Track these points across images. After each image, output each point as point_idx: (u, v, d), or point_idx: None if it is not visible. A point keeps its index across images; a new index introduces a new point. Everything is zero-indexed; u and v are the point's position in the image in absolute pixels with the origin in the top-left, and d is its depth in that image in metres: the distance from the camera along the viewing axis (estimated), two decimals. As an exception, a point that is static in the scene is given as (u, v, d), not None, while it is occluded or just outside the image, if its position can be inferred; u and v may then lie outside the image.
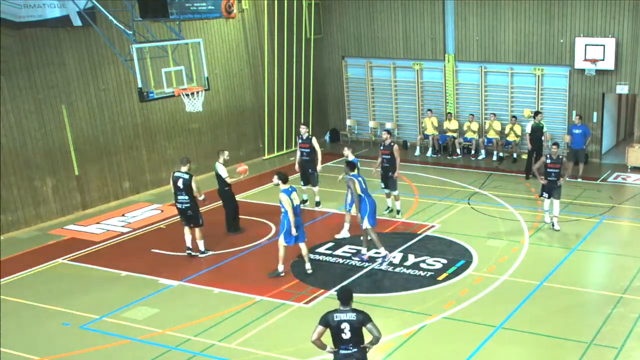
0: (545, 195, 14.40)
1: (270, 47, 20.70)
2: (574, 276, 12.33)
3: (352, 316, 7.26)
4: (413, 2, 21.01)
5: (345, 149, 14.49)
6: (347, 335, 7.28)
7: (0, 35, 14.00)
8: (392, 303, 11.35)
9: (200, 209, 13.23)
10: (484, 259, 12.99)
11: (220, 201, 14.73)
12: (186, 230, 13.25)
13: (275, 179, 11.92)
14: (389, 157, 14.84)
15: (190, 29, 17.86)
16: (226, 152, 14.24)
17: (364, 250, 13.05)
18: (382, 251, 12.77)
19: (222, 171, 13.95)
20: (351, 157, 14.10)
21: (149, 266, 12.82)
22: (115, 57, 15.88)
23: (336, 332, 7.32)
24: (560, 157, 14.28)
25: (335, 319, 7.27)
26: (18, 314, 11.15)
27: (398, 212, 15.34)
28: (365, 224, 12.58)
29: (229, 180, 13.98)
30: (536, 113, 18.17)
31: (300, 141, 15.68)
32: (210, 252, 13.44)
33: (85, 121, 16.02)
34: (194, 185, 12.77)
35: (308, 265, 12.41)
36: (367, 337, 7.45)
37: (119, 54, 15.30)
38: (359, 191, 12.57)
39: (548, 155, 14.22)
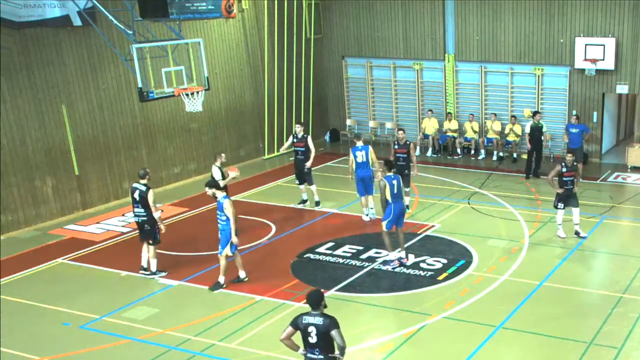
0: (561, 205, 13.72)
1: (270, 47, 20.70)
2: (573, 276, 12.33)
3: (319, 320, 7.24)
4: (413, 2, 21.00)
5: (355, 140, 14.80)
6: (313, 339, 7.27)
7: (0, 35, 14.00)
8: (392, 303, 11.35)
9: (159, 224, 12.20)
10: (484, 259, 12.98)
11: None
12: (144, 246, 12.40)
13: (209, 190, 11.72)
14: (405, 155, 14.88)
15: (190, 28, 17.86)
16: (223, 155, 13.90)
17: (400, 253, 12.92)
18: (391, 256, 12.73)
19: (216, 174, 13.66)
20: (360, 144, 14.69)
21: (149, 266, 12.79)
22: (116, 57, 15.88)
23: (304, 335, 7.33)
24: (575, 163, 13.80)
25: (303, 322, 7.29)
26: (18, 314, 11.14)
27: (407, 207, 15.41)
28: (383, 227, 12.48)
29: (221, 183, 13.38)
30: (535, 113, 18.18)
31: (295, 140, 15.72)
32: (164, 273, 12.44)
33: (85, 121, 16.02)
34: (150, 198, 11.90)
35: (243, 274, 12.10)
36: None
37: (119, 53, 15.30)
38: (387, 196, 12.29)
39: (563, 164, 13.62)
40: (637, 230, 14.72)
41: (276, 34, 20.77)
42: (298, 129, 15.64)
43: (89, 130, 16.13)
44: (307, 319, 7.28)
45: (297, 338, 7.40)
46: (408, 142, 15.04)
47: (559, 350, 9.79)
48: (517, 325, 10.46)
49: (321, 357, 7.34)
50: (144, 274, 12.46)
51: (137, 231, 12.56)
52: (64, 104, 15.54)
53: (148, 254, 12.41)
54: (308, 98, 22.22)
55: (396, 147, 15.05)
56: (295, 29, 21.30)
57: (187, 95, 14.58)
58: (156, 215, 12.06)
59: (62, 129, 15.56)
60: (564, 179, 13.65)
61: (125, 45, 15.76)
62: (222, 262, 11.79)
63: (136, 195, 12.02)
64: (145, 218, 12.06)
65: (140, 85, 13.89)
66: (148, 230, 12.15)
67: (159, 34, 16.40)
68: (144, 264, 12.50)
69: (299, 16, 21.45)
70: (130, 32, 14.11)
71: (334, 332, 7.20)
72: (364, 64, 22.46)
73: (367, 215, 15.11)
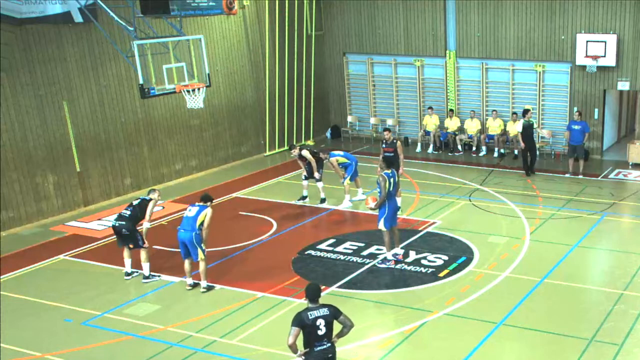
0: None
1: (271, 44, 20.68)
2: (574, 273, 12.34)
3: (324, 311, 7.39)
4: (414, -1, 21.02)
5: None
6: (322, 330, 7.38)
7: (1, 31, 13.99)
8: (393, 299, 11.37)
9: (138, 227, 12.05)
10: (485, 256, 13.00)
11: None
12: (125, 252, 12.20)
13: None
14: (392, 154, 15.00)
15: (191, 25, 17.85)
16: None
17: (396, 250, 12.95)
18: (388, 255, 12.74)
19: None
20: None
21: (150, 262, 12.79)
22: (117, 53, 15.88)
23: (311, 330, 7.35)
24: None
25: (310, 317, 7.33)
26: (19, 310, 11.16)
27: (398, 207, 15.36)
28: (381, 226, 12.43)
29: None
30: (525, 111, 18.15)
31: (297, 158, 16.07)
32: (157, 277, 12.25)
33: (86, 117, 16.02)
34: (149, 209, 11.95)
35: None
36: (336, 330, 7.57)
37: (120, 50, 15.29)
38: (387, 191, 12.26)
39: None
40: (638, 227, 14.71)
41: (277, 31, 20.75)
42: (294, 152, 15.76)
43: (90, 127, 16.13)
44: (313, 314, 7.35)
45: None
46: (395, 141, 15.33)
47: (560, 347, 9.80)
48: (518, 322, 10.48)
49: (329, 345, 7.50)
50: (128, 279, 12.27)
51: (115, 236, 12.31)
52: (65, 100, 15.54)
53: (130, 258, 12.24)
54: (309, 95, 22.21)
55: (384, 145, 15.37)
56: (296, 25, 21.29)
57: (188, 91, 14.58)
58: (145, 226, 12.04)
59: (64, 126, 15.56)
60: None
61: (126, 42, 15.76)
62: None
63: (135, 201, 12.13)
64: (123, 223, 11.88)
65: (141, 81, 13.88)
66: (128, 235, 11.91)
67: (160, 30, 16.41)
68: (127, 269, 12.32)
69: (300, 12, 21.44)
70: (131, 28, 14.09)
71: (342, 318, 7.45)
72: (365, 60, 22.44)
73: (351, 200, 16.02)
